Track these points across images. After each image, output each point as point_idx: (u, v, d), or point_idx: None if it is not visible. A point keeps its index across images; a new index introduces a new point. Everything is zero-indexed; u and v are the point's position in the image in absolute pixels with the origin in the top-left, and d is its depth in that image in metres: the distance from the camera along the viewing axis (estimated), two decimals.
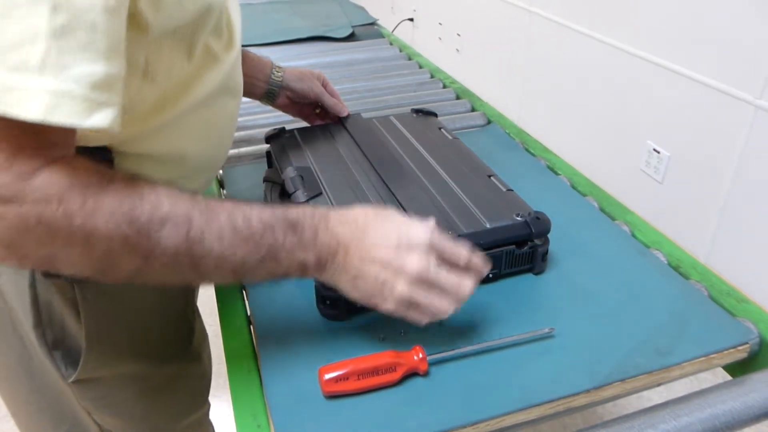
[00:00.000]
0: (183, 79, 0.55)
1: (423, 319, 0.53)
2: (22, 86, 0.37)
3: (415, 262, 0.50)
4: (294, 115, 0.94)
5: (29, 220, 0.40)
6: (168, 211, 0.44)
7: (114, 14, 0.41)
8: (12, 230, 0.40)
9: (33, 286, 0.58)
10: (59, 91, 0.38)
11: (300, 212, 0.51)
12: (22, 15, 0.37)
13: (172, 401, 0.75)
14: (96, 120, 0.39)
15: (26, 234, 0.41)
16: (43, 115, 0.37)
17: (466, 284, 0.53)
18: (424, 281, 0.51)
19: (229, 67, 0.62)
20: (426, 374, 0.56)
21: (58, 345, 0.61)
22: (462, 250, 0.54)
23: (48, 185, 0.41)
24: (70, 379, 0.62)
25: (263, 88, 0.87)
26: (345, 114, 0.91)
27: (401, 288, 0.51)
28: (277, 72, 0.87)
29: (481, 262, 0.55)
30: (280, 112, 1.14)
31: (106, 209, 0.42)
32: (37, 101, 0.37)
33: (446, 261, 0.53)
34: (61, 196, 0.41)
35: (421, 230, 0.52)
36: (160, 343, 0.70)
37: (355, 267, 0.51)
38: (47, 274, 0.58)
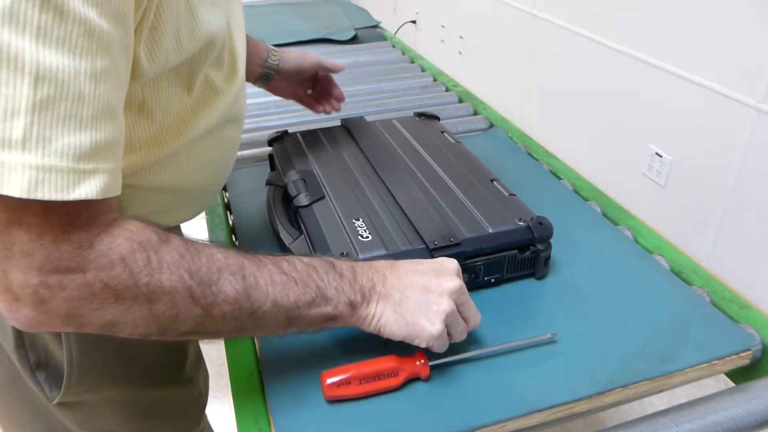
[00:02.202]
0: (182, 114, 0.54)
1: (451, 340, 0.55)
2: (5, 163, 0.36)
3: (453, 280, 0.53)
4: (287, 96, 0.92)
5: (94, 286, 0.41)
6: (223, 262, 0.47)
7: (103, 78, 0.39)
8: (73, 300, 0.41)
9: None
10: (42, 167, 0.37)
11: (331, 257, 0.54)
12: (3, 89, 0.35)
13: (162, 424, 0.72)
14: (82, 191, 0.38)
15: (89, 302, 0.41)
16: (27, 192, 0.36)
17: (478, 316, 0.57)
18: (462, 294, 0.54)
19: (232, 98, 0.61)
20: (428, 379, 0.56)
21: (41, 366, 0.59)
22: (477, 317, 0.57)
23: (111, 249, 0.41)
24: (54, 401, 0.60)
25: (259, 72, 0.85)
26: (342, 66, 0.89)
27: (446, 304, 0.52)
28: (274, 55, 0.86)
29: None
30: (283, 115, 1.14)
31: (169, 264, 0.43)
32: (20, 178, 0.36)
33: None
34: (124, 257, 0.42)
35: (446, 261, 0.56)
36: (148, 369, 0.67)
37: (398, 291, 0.53)
38: None
